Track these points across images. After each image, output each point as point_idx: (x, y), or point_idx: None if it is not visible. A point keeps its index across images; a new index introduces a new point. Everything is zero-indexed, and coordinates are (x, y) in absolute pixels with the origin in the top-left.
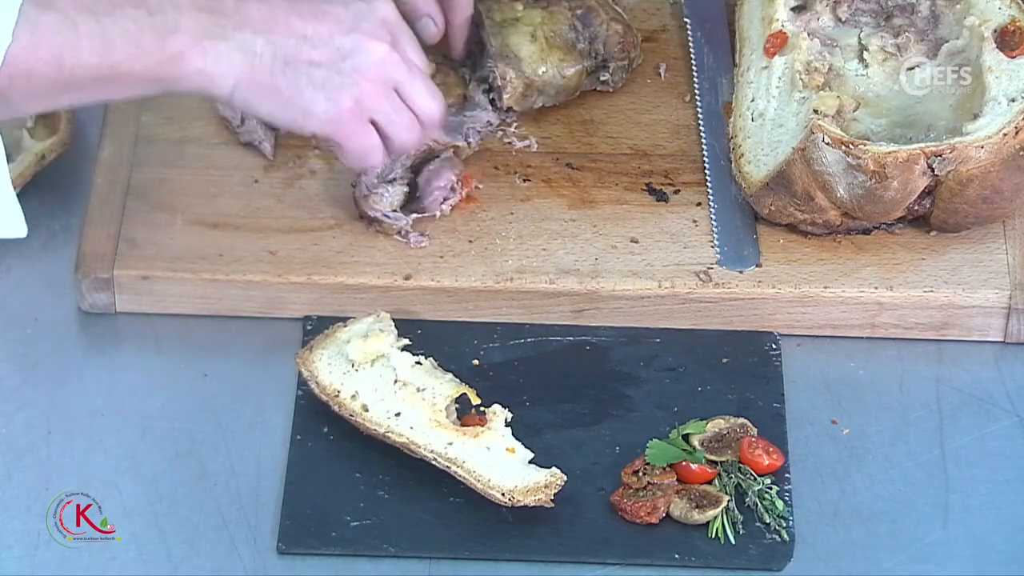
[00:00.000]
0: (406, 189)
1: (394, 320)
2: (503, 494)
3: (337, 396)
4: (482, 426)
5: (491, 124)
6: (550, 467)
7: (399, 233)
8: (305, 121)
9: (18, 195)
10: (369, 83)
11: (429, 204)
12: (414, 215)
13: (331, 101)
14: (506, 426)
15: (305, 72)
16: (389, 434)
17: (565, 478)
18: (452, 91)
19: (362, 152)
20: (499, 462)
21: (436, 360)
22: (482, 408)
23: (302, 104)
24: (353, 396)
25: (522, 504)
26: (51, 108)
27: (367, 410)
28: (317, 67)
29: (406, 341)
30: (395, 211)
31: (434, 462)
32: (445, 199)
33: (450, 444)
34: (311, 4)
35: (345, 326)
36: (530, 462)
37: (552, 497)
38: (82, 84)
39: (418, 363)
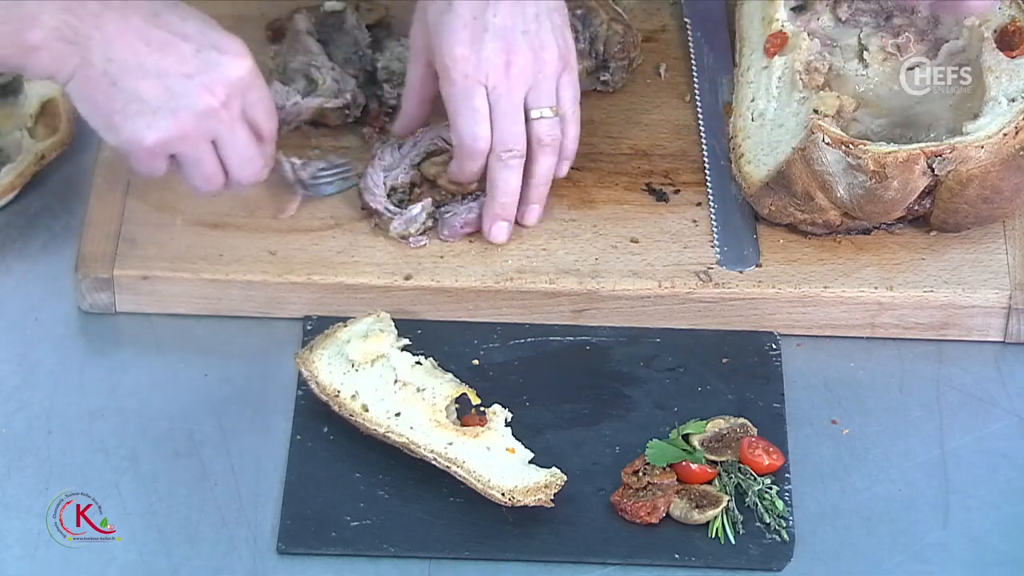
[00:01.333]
0: (430, 211)
1: (394, 320)
2: (503, 494)
3: (337, 396)
4: (482, 426)
5: None
6: (550, 467)
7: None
8: (106, 135)
9: (18, 195)
10: (179, 127)
11: (448, 234)
12: (414, 213)
13: (135, 134)
14: (506, 426)
15: (124, 98)
16: (389, 434)
17: (565, 478)
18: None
19: (148, 175)
20: (499, 462)
21: (436, 360)
22: (482, 408)
23: (107, 123)
24: (353, 396)
25: (522, 504)
26: None
27: (367, 410)
28: (137, 99)
29: (406, 341)
30: (396, 206)
31: (434, 462)
32: (463, 227)
33: (450, 444)
34: (169, 28)
35: (345, 326)
36: (530, 462)
37: (552, 497)
38: None
39: (418, 363)
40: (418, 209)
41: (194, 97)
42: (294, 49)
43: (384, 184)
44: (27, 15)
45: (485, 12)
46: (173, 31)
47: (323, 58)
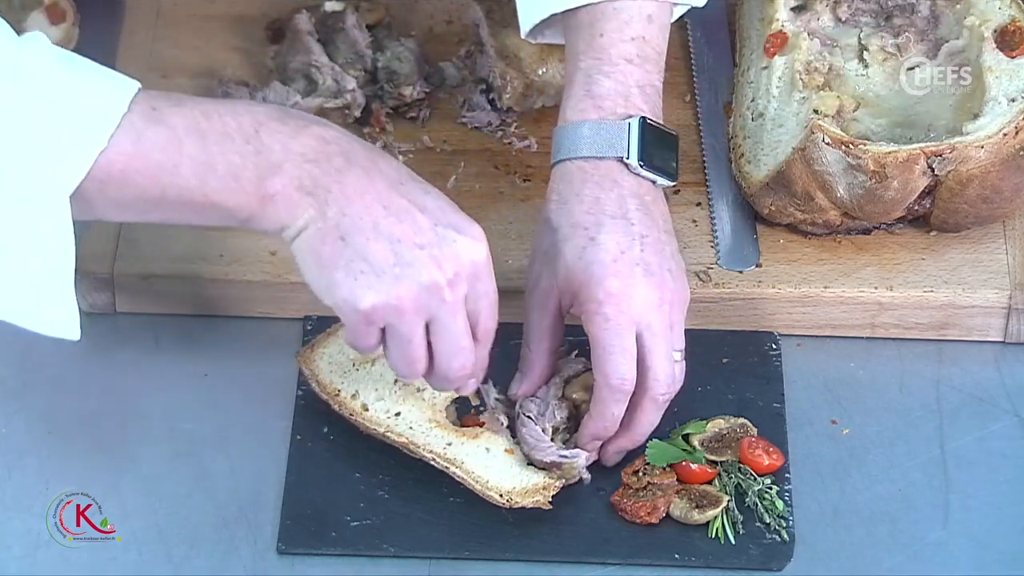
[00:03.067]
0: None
1: None
2: (501, 495)
3: (337, 396)
4: (481, 427)
5: (491, 124)
6: None
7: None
8: (324, 295)
9: None
10: (399, 296)
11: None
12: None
13: (353, 295)
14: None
15: (351, 257)
16: (389, 434)
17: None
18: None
19: (358, 349)
20: (498, 463)
21: None
22: (482, 408)
23: (328, 280)
24: (353, 396)
25: (520, 506)
26: (132, 220)
27: (367, 410)
28: (363, 259)
29: None
30: (561, 448)
31: (433, 462)
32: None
33: (449, 444)
34: (410, 198)
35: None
36: (529, 463)
37: (550, 499)
38: (171, 204)
39: None
40: (582, 458)
41: (421, 267)
42: (294, 49)
43: (547, 428)
44: (270, 164)
45: (632, 247)
46: (413, 201)
47: (323, 58)
